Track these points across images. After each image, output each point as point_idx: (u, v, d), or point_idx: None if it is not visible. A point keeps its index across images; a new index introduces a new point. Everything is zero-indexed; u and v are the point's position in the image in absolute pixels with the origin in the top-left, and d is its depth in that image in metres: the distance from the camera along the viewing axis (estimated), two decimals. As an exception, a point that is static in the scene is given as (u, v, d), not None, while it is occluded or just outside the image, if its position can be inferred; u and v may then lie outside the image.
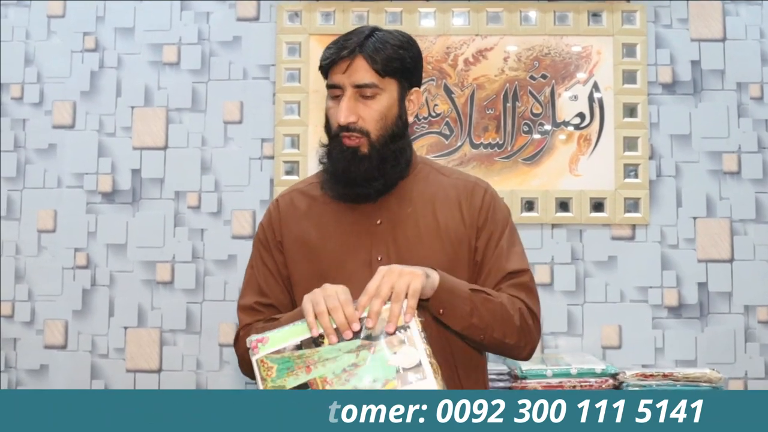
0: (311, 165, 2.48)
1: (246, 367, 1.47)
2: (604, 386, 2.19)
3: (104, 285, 2.53)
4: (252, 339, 1.29)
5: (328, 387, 1.22)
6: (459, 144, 2.53)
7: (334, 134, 1.47)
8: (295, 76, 2.55)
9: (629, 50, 2.54)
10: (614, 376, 2.21)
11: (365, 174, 1.46)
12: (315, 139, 2.52)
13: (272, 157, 2.55)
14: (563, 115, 2.53)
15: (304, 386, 1.23)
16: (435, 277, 1.34)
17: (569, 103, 2.54)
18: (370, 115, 1.45)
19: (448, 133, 2.53)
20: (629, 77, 2.53)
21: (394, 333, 1.25)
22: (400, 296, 1.26)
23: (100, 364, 2.50)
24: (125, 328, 2.52)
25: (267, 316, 1.52)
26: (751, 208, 2.52)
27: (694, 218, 2.52)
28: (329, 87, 1.48)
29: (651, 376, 2.20)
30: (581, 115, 2.54)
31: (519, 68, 2.55)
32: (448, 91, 2.54)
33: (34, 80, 2.58)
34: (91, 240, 2.54)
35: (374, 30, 1.49)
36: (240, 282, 2.46)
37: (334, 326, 1.26)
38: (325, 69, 1.49)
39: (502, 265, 1.50)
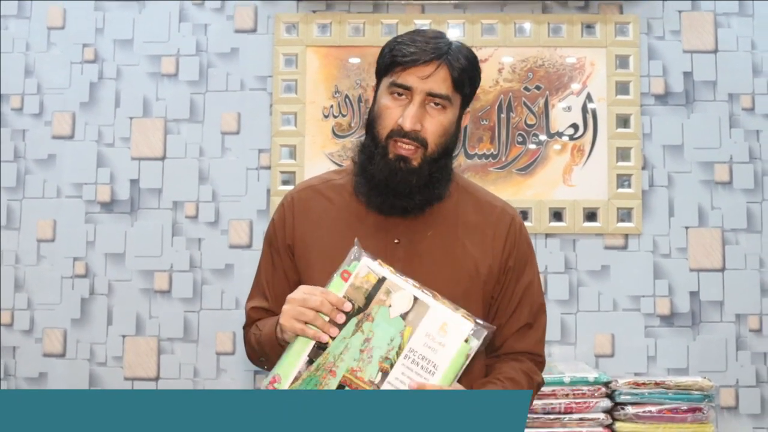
0: (308, 175, 2.47)
1: (251, 355, 1.51)
2: (596, 394, 2.21)
3: (103, 294, 2.55)
4: (266, 382, 1.27)
5: (359, 374, 1.22)
6: (454, 154, 2.55)
7: (385, 137, 1.39)
8: (292, 87, 2.58)
9: (622, 62, 2.57)
10: (607, 384, 2.24)
11: (409, 187, 1.39)
12: (311, 149, 2.57)
13: (269, 168, 2.57)
14: (557, 126, 2.57)
15: (340, 388, 1.23)
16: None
17: (563, 113, 2.57)
18: (433, 126, 1.38)
19: (443, 143, 2.57)
20: (622, 88, 2.56)
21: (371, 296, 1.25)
22: None
23: (98, 372, 2.53)
24: (123, 336, 2.54)
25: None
26: (742, 217, 2.55)
27: (686, 228, 2.55)
28: (395, 85, 1.38)
29: (643, 384, 2.23)
30: (575, 126, 2.57)
31: (513, 79, 2.58)
32: (443, 102, 2.57)
33: (34, 91, 2.61)
34: (89, 249, 2.56)
35: (445, 36, 1.42)
36: (237, 291, 2.52)
37: (327, 319, 1.24)
38: (395, 65, 1.38)
39: (526, 310, 1.47)
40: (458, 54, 1.39)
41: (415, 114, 1.36)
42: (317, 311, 1.23)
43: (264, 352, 1.41)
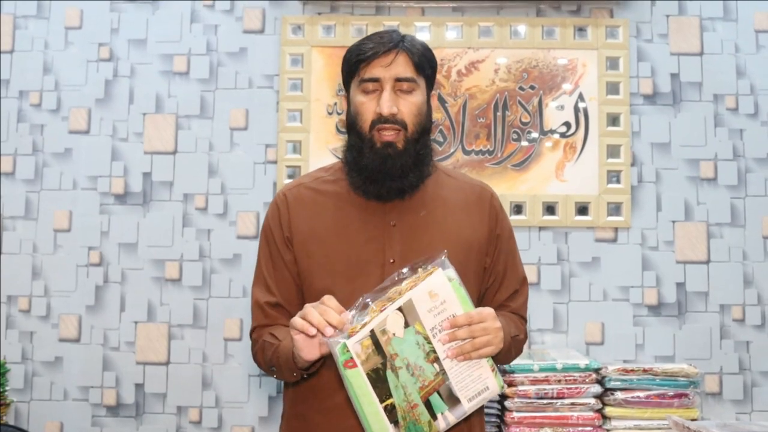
0: (312, 169, 2.51)
1: (259, 359, 1.53)
2: (587, 380, 2.25)
3: (116, 282, 2.61)
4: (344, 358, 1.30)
5: (426, 382, 1.31)
6: (452, 150, 2.64)
7: (368, 129, 1.47)
8: (297, 85, 2.65)
9: (612, 63, 2.64)
10: (597, 370, 2.28)
11: (401, 169, 1.47)
12: (316, 145, 2.64)
13: (275, 162, 2.63)
14: (550, 124, 2.64)
15: (428, 404, 1.31)
16: (501, 337, 1.37)
17: (556, 112, 2.64)
18: (408, 108, 1.47)
19: (441, 140, 2.65)
20: (612, 88, 2.63)
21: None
22: (473, 349, 1.32)
23: (111, 357, 2.59)
24: (135, 322, 2.60)
25: (274, 319, 1.52)
26: (726, 212, 2.61)
27: (673, 222, 2.61)
28: (364, 81, 1.47)
29: (632, 371, 2.27)
30: (567, 124, 2.64)
31: (509, 79, 2.66)
32: (442, 101, 2.65)
33: (51, 88, 2.67)
34: (104, 239, 2.62)
35: (397, 30, 1.53)
36: (244, 280, 2.59)
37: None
38: (359, 64, 1.47)
39: (513, 277, 1.59)
40: (413, 41, 1.50)
41: (389, 99, 1.45)
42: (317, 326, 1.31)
43: (278, 364, 1.45)
